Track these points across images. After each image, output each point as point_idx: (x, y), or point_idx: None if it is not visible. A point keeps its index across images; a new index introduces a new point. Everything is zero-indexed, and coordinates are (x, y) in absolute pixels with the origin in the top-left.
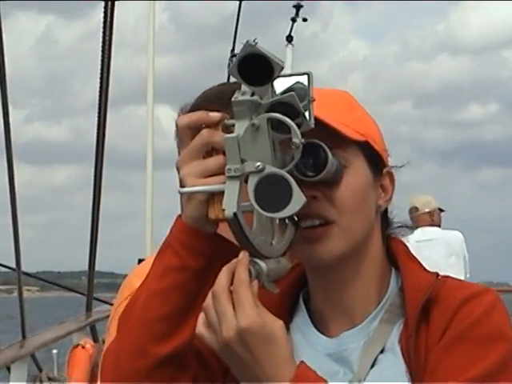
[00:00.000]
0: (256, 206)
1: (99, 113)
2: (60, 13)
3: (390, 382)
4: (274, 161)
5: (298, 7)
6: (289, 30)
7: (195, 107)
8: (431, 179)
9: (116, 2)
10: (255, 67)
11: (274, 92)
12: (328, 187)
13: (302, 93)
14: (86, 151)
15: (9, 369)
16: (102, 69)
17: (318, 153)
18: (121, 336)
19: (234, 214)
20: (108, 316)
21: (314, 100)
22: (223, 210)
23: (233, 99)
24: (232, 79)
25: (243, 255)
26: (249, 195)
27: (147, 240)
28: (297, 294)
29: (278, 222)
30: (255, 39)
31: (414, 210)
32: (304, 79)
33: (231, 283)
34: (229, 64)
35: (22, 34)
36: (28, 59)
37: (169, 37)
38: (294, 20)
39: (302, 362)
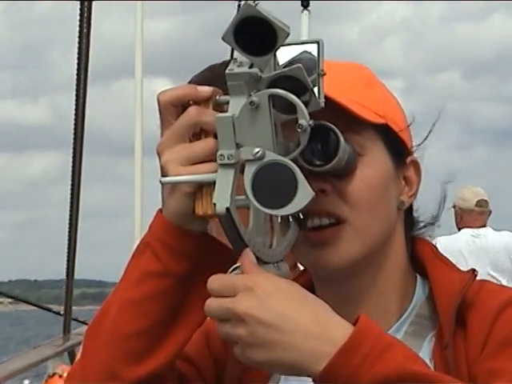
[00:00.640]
0: (253, 201)
1: (77, 89)
2: None
3: None
4: (276, 146)
5: None
6: None
7: (204, 81)
8: (482, 165)
9: None
10: (255, 33)
11: (277, 64)
12: (339, 179)
13: (310, 65)
14: (69, 135)
15: None
16: (80, 33)
17: (327, 137)
18: (87, 355)
19: (227, 209)
20: None
21: (325, 74)
22: (213, 204)
23: (227, 71)
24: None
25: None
26: (245, 187)
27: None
28: None
29: (279, 220)
30: None
31: (459, 207)
32: (313, 48)
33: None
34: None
35: None
36: None
37: None
38: None
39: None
